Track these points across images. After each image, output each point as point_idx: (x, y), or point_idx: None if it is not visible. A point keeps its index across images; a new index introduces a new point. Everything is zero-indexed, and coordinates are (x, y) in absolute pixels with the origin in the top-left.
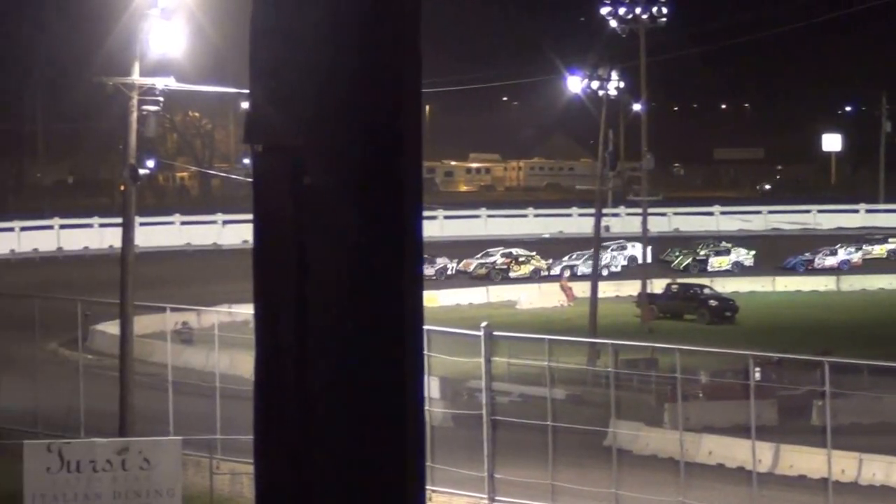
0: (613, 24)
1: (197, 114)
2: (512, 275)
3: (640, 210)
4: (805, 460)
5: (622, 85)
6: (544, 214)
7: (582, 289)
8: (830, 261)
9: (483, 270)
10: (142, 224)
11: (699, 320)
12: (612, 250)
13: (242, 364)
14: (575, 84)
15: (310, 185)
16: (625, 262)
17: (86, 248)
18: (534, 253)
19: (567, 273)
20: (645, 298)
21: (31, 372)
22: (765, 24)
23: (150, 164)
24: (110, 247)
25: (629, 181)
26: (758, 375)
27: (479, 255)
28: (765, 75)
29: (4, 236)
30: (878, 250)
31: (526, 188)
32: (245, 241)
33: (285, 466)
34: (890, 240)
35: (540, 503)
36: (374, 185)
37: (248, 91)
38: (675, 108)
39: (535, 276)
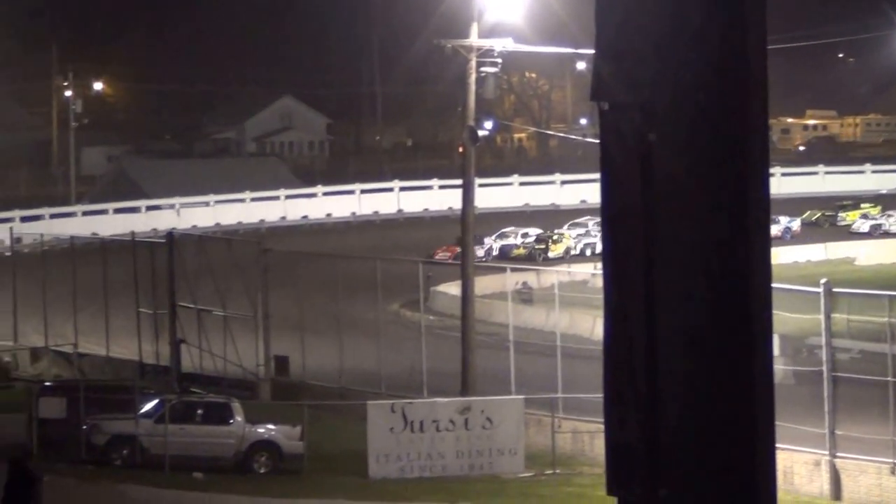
0: None
1: (534, 74)
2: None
3: None
4: None
5: None
6: (882, 171)
7: None
8: (774, 230)
9: (523, 251)
10: (481, 185)
11: None
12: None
13: (582, 323)
14: None
15: (654, 141)
16: None
17: (425, 209)
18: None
19: None
20: None
21: (374, 333)
22: None
23: (489, 125)
24: (449, 208)
25: None
26: None
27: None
28: None
29: (345, 199)
30: (850, 216)
31: (863, 144)
32: (583, 201)
33: (635, 423)
34: (862, 205)
35: (882, 458)
36: (719, 141)
37: (589, 51)
38: None
39: (566, 257)
